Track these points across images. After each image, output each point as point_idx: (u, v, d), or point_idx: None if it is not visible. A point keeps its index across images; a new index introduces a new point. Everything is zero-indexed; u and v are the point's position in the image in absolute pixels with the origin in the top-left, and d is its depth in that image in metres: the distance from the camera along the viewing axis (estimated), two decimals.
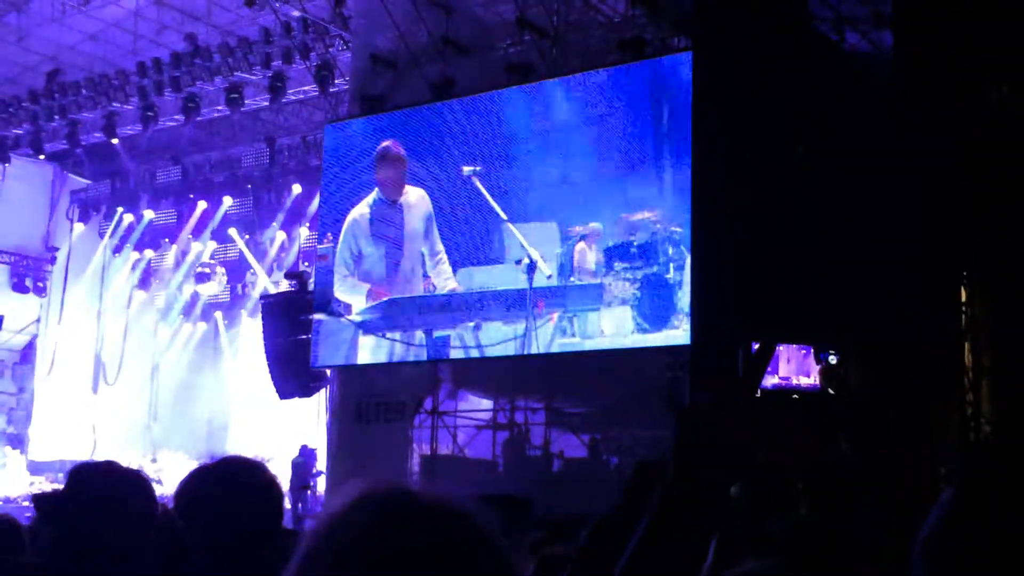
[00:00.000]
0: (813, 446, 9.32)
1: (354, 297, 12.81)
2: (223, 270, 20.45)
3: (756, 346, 10.71)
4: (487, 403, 13.55)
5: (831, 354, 10.88)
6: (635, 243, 11.12)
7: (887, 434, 9.79)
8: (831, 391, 10.73)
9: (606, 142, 11.42)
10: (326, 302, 13.01)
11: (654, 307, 10.93)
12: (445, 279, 12.23)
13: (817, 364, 11.19)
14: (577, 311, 11.36)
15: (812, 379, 11.35)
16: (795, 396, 10.83)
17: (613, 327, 11.15)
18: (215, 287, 20.48)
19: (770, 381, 10.90)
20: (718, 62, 10.86)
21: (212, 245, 20.41)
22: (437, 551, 1.21)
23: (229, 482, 2.34)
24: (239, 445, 18.03)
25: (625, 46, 11.94)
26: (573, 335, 11.41)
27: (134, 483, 2.55)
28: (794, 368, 12.28)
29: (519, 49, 12.89)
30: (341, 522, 1.23)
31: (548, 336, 11.49)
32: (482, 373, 13.24)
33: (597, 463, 12.44)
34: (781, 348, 11.16)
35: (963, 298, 11.22)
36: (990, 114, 10.60)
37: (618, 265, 11.16)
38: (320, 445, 15.42)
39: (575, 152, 11.63)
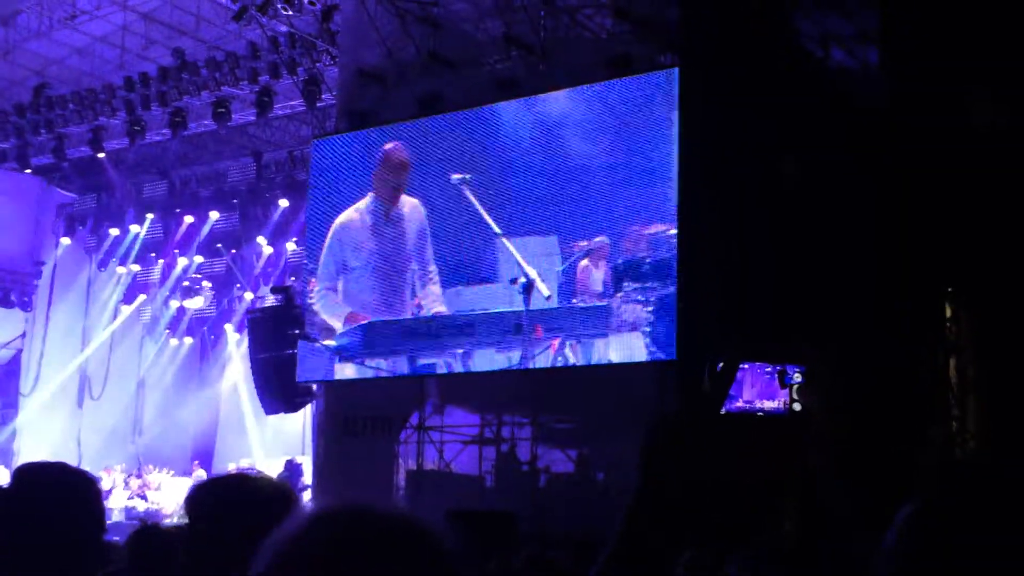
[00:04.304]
0: (784, 464, 9.27)
1: (334, 318, 12.52)
2: (209, 284, 20.43)
3: (720, 364, 10.68)
4: (474, 418, 13.44)
5: (797, 373, 10.86)
6: (648, 260, 10.11)
7: (864, 453, 9.82)
8: (798, 409, 10.74)
9: (613, 152, 10.99)
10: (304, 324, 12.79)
11: (669, 332, 9.93)
12: (433, 300, 11.59)
13: (782, 387, 11.22)
14: (580, 337, 10.43)
15: (777, 403, 11.31)
16: (760, 414, 10.90)
17: (622, 355, 10.19)
18: (201, 302, 20.44)
19: (734, 405, 10.99)
20: (704, 78, 10.87)
21: (198, 259, 20.32)
22: (389, 571, 1.21)
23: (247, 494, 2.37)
24: (225, 460, 17.90)
25: (612, 63, 11.95)
26: (575, 365, 10.46)
27: (78, 484, 2.55)
28: (758, 392, 12.26)
29: (507, 65, 12.90)
30: (296, 542, 1.23)
31: (547, 365, 10.60)
32: (468, 388, 13.18)
33: (584, 479, 12.38)
34: (745, 367, 11.13)
35: (948, 313, 11.20)
36: (975, 130, 10.61)
37: (628, 285, 10.21)
38: (306, 460, 15.42)
39: (579, 161, 11.14)
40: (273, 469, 15.95)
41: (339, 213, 12.97)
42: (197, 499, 2.42)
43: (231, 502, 2.37)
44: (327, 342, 12.39)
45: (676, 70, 10.95)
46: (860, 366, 10.41)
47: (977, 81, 10.73)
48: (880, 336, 10.33)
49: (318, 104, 15.73)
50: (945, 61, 10.52)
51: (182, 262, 20.41)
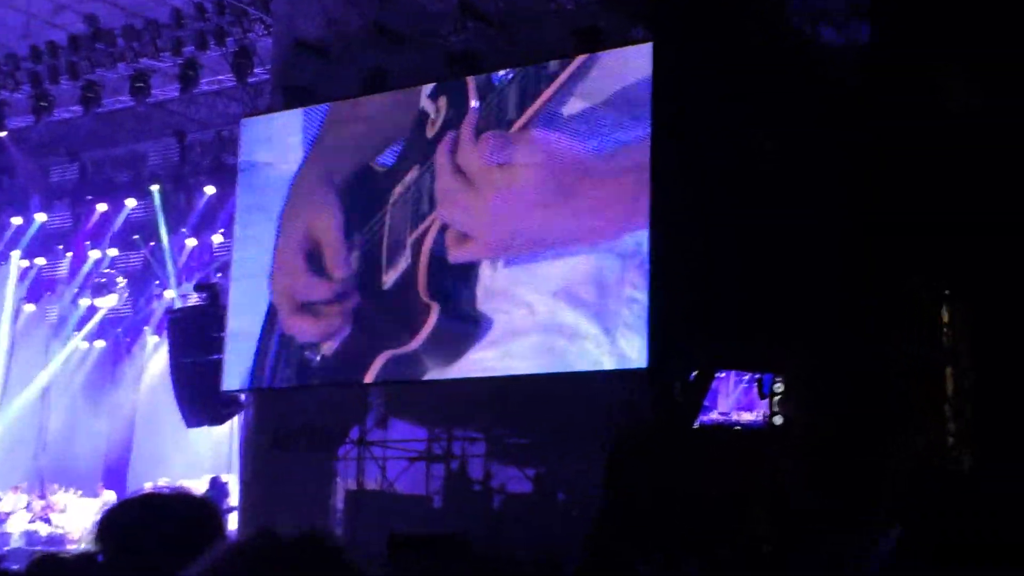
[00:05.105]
0: (761, 480, 9.55)
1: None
2: (124, 281, 20.30)
3: (694, 373, 10.90)
4: (420, 432, 13.60)
5: (777, 382, 11.05)
6: (617, 259, 10.90)
7: (845, 463, 10.05)
8: (779, 423, 10.96)
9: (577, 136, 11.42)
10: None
11: (641, 339, 10.69)
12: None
13: (761, 397, 11.43)
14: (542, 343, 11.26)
15: (755, 415, 11.57)
16: (737, 428, 11.11)
17: (587, 363, 11.01)
18: (115, 300, 20.31)
19: (709, 417, 11.23)
20: (680, 55, 11.07)
21: (112, 252, 20.21)
22: None
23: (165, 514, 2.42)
24: (140, 479, 17.89)
25: (579, 36, 12.09)
26: (535, 373, 11.36)
27: None
28: (734, 403, 12.52)
29: (462, 38, 13.02)
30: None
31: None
32: (415, 398, 13.31)
33: (543, 499, 12.53)
34: (721, 376, 11.41)
35: (945, 319, 11.44)
36: (970, 117, 10.80)
37: (594, 288, 10.98)
38: (233, 478, 15.41)
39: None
40: (196, 488, 15.49)
41: (271, 201, 13.10)
42: (108, 523, 2.43)
43: (146, 526, 2.38)
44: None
45: (650, 45, 11.19)
46: (845, 373, 10.57)
47: (977, 64, 10.95)
48: (867, 341, 10.54)
49: (249, 79, 15.75)
50: (943, 40, 10.73)
51: (94, 255, 20.23)
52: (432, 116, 12.28)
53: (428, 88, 12.44)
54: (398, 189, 12.35)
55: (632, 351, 10.72)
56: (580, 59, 11.61)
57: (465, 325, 11.72)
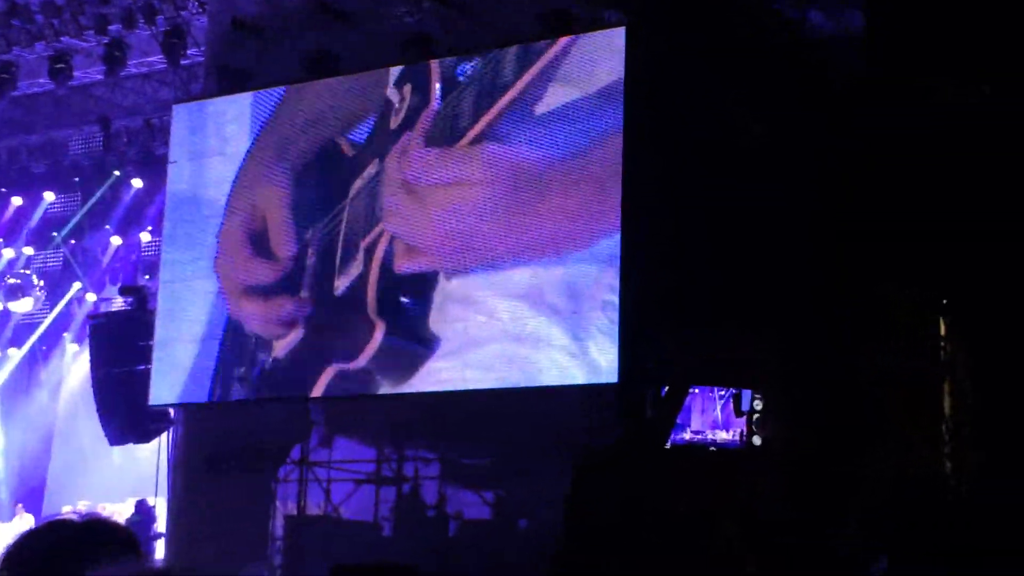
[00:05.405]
0: (739, 503, 9.86)
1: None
2: (42, 283, 20.02)
3: (666, 388, 10.98)
4: (368, 451, 13.52)
5: (756, 399, 11.06)
6: (584, 266, 11.00)
7: (824, 480, 10.12)
8: (758, 443, 10.96)
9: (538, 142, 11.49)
10: None
11: (610, 352, 10.77)
12: None
13: (738, 415, 11.44)
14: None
15: (731, 434, 11.56)
16: (712, 449, 11.16)
17: (553, 377, 11.12)
18: (31, 304, 19.96)
19: (681, 436, 11.19)
20: (655, 39, 11.07)
21: (28, 251, 19.97)
22: None
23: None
24: (58, 502, 17.74)
25: (547, 19, 11.96)
26: (493, 388, 11.43)
27: None
28: (709, 420, 12.54)
29: (417, 19, 12.85)
30: None
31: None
32: (362, 414, 13.28)
33: (503, 526, 12.54)
34: (695, 391, 11.50)
35: (942, 331, 11.35)
36: (969, 112, 10.79)
37: (561, 296, 11.08)
38: (161, 502, 15.28)
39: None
40: (120, 513, 15.74)
41: (207, 195, 13.09)
42: (13, 557, 2.39)
43: (60, 557, 2.35)
44: None
45: (623, 29, 11.16)
46: (827, 386, 10.58)
47: (979, 55, 10.91)
48: (847, 354, 10.55)
49: (182, 61, 15.56)
50: (942, 29, 10.68)
51: (7, 254, 20.02)
52: (396, 105, 12.32)
53: (395, 73, 12.47)
54: (357, 183, 12.37)
55: (604, 360, 10.78)
56: (553, 50, 11.55)
57: (414, 341, 11.80)
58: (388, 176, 12.12)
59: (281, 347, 12.48)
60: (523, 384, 11.29)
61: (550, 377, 11.13)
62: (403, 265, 11.91)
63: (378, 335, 11.87)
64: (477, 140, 11.62)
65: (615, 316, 10.71)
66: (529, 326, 11.16)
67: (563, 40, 11.50)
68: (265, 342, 12.61)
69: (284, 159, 12.83)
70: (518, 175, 11.42)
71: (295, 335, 12.41)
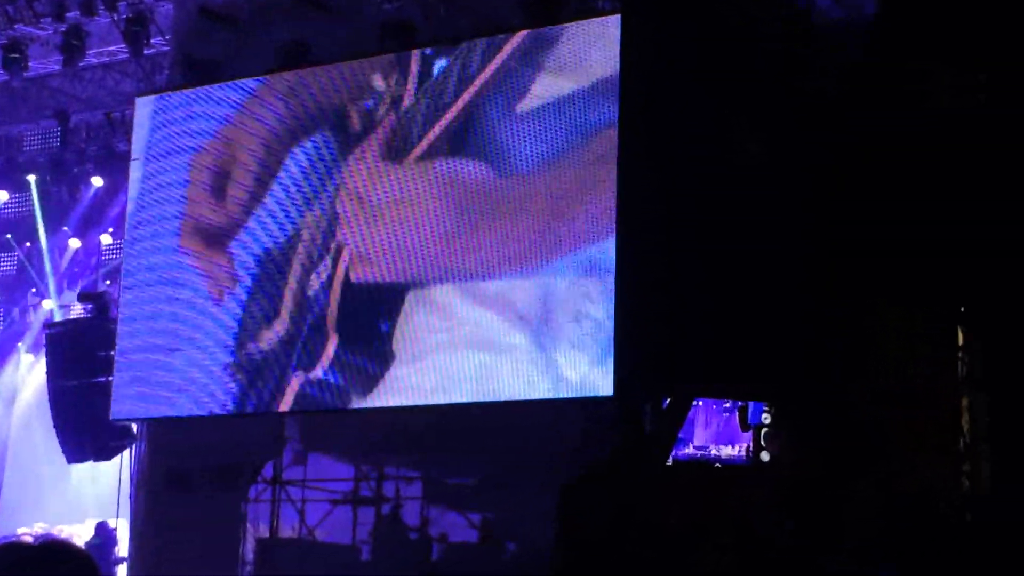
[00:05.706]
0: (743, 523, 10.08)
1: None
2: None
3: (667, 401, 11.03)
4: (346, 470, 13.55)
5: (766, 412, 11.11)
6: (580, 272, 11.08)
7: (844, 511, 10.24)
8: (766, 459, 11.01)
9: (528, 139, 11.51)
10: None
11: (605, 364, 10.84)
12: None
13: (744, 429, 11.45)
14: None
15: (736, 449, 11.63)
16: (717, 466, 11.16)
17: (544, 391, 11.17)
18: None
19: (683, 452, 11.20)
20: (652, 31, 11.10)
21: None
22: None
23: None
24: (13, 523, 17.52)
25: (534, 6, 12.01)
26: (480, 401, 11.49)
27: None
28: (713, 434, 12.59)
29: (396, 7, 12.89)
30: None
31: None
32: (340, 429, 13.28)
33: (490, 550, 12.58)
34: (699, 404, 11.49)
35: (960, 342, 11.32)
36: (967, 115, 10.85)
37: (554, 306, 11.14)
38: (123, 523, 15.20)
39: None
40: (79, 535, 15.70)
41: (171, 195, 13.13)
42: None
43: None
44: None
45: (618, 17, 11.17)
46: (838, 401, 10.71)
47: (992, 46, 10.95)
48: (868, 369, 10.68)
49: (146, 51, 15.50)
50: (958, 18, 10.71)
51: None
52: (368, 101, 12.40)
53: (374, 64, 12.51)
54: (328, 184, 12.47)
55: (573, 373, 10.86)
56: (521, 36, 11.63)
57: (370, 351, 11.87)
58: (343, 186, 12.30)
59: (248, 354, 12.53)
60: (489, 398, 11.35)
61: (516, 385, 11.20)
62: (358, 274, 12.04)
63: (331, 347, 12.02)
64: (432, 155, 11.83)
65: (590, 327, 10.77)
66: (495, 337, 11.24)
67: (551, 29, 11.53)
68: (233, 351, 12.64)
69: (254, 152, 12.85)
70: (474, 187, 11.57)
71: (263, 343, 12.45)
